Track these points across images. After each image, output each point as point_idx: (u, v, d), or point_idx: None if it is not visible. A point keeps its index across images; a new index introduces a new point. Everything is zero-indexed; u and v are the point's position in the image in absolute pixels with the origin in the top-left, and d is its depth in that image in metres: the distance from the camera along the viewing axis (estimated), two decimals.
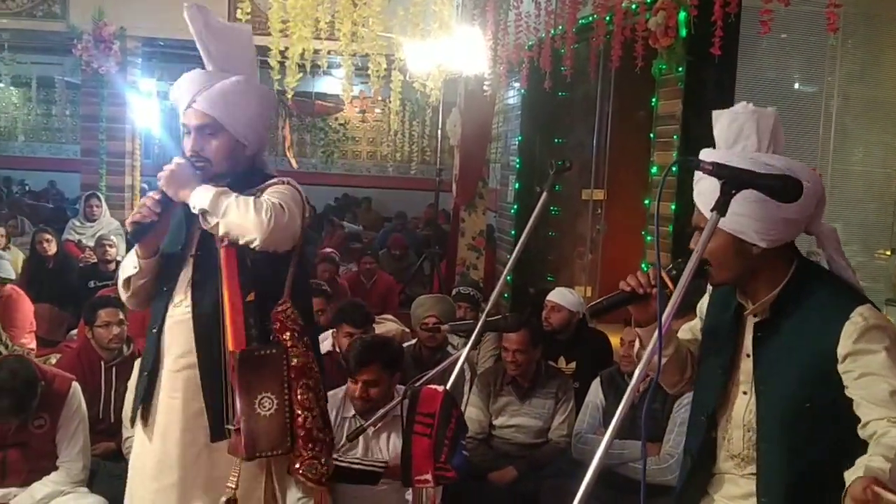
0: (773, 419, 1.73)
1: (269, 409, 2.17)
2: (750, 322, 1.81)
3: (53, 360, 4.21)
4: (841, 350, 1.65)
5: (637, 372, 1.43)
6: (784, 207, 1.57)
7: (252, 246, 2.17)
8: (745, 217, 1.65)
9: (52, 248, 6.30)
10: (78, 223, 7.52)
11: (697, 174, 1.72)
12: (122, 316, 3.81)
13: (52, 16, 7.76)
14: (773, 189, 1.45)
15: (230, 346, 2.18)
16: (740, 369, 1.82)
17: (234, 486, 2.19)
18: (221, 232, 2.18)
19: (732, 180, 1.45)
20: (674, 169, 4.14)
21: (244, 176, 2.35)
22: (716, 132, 1.80)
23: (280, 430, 2.17)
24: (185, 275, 2.32)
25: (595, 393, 3.64)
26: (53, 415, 3.22)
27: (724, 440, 1.84)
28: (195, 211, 2.21)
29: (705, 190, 1.71)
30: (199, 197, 2.19)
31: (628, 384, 1.42)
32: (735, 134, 1.75)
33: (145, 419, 2.36)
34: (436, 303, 4.38)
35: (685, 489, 1.93)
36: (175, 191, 2.23)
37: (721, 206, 1.43)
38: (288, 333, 2.23)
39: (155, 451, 2.33)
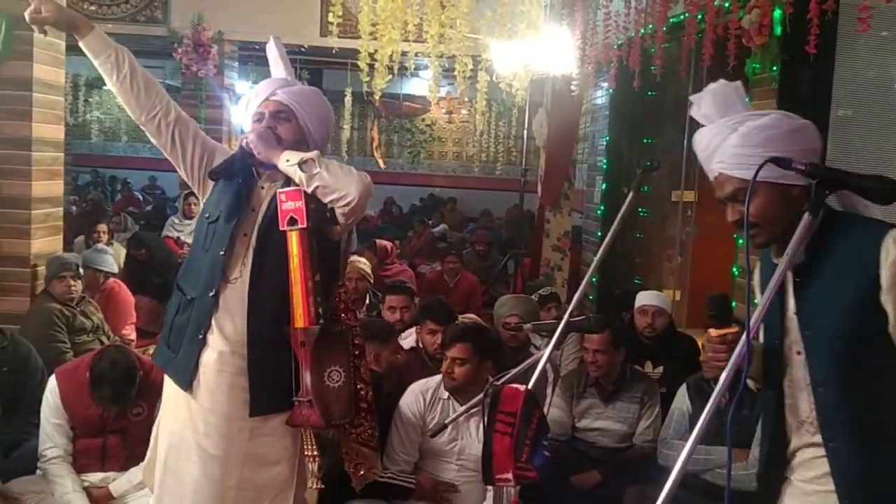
0: (824, 362, 1.69)
1: (338, 382, 2.33)
2: (790, 280, 1.77)
3: (152, 351, 4.39)
4: (883, 276, 1.60)
5: (723, 377, 1.41)
6: (804, 133, 1.63)
7: (344, 203, 2.28)
8: (790, 151, 1.62)
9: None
10: (177, 220, 7.84)
11: (696, 135, 1.79)
12: None
13: (153, 21, 8.10)
14: (868, 189, 1.41)
15: (299, 323, 2.27)
16: (790, 330, 1.79)
17: (316, 453, 2.37)
18: (317, 184, 2.28)
19: (827, 181, 1.41)
20: None
21: None
22: (703, 111, 1.83)
23: (349, 400, 2.34)
24: (240, 252, 2.38)
25: (682, 399, 3.57)
26: (151, 403, 3.32)
27: (792, 408, 1.80)
28: (288, 165, 2.31)
29: (727, 152, 1.73)
30: (294, 154, 2.33)
31: (714, 390, 1.40)
32: (722, 105, 1.80)
33: (192, 385, 2.41)
34: (518, 303, 4.38)
35: (764, 473, 1.90)
36: (264, 151, 2.36)
37: (814, 208, 1.39)
38: (348, 313, 2.42)
39: (199, 423, 2.40)
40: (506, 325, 4.09)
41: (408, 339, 4.27)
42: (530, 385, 2.07)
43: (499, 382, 2.14)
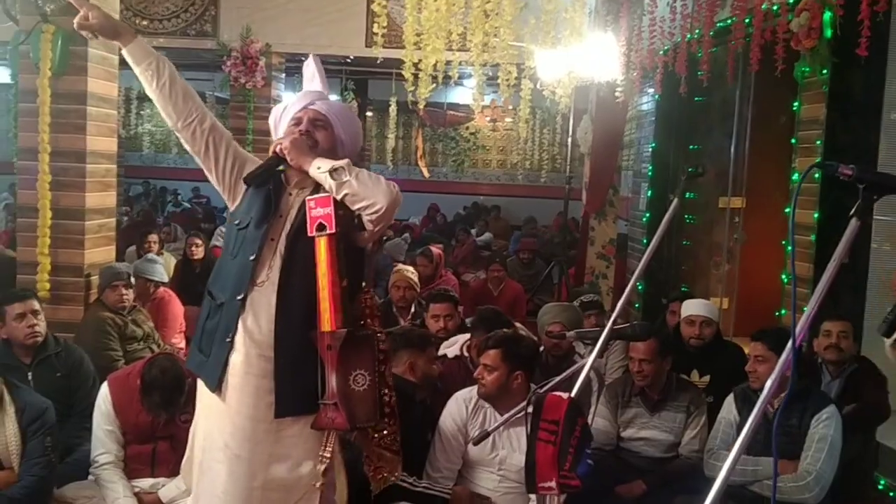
0: None
1: (363, 385, 2.36)
2: None
3: None
4: None
5: (768, 385, 1.38)
6: None
7: (373, 211, 2.35)
8: None
9: (199, 253, 6.71)
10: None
11: None
12: None
13: (203, 34, 8.27)
14: None
15: (326, 327, 2.32)
16: None
17: (329, 456, 2.40)
18: (346, 191, 2.35)
19: (875, 185, 1.38)
20: (815, 175, 3.96)
21: None
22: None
23: (373, 404, 2.37)
24: (267, 257, 2.43)
25: (728, 409, 3.52)
26: None
27: None
28: (319, 172, 2.38)
29: None
30: (325, 161, 2.40)
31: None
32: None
33: (221, 386, 2.45)
34: (561, 311, 4.35)
35: None
36: (297, 157, 2.43)
37: (861, 212, 1.36)
38: (374, 319, 2.47)
39: (227, 424, 2.44)
40: (549, 333, 4.07)
41: (453, 348, 4.27)
42: (573, 393, 2.05)
43: (542, 390, 2.12)
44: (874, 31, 3.44)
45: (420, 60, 5.78)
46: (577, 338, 3.23)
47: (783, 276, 4.40)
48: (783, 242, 4.64)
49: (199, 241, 6.80)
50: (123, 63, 2.80)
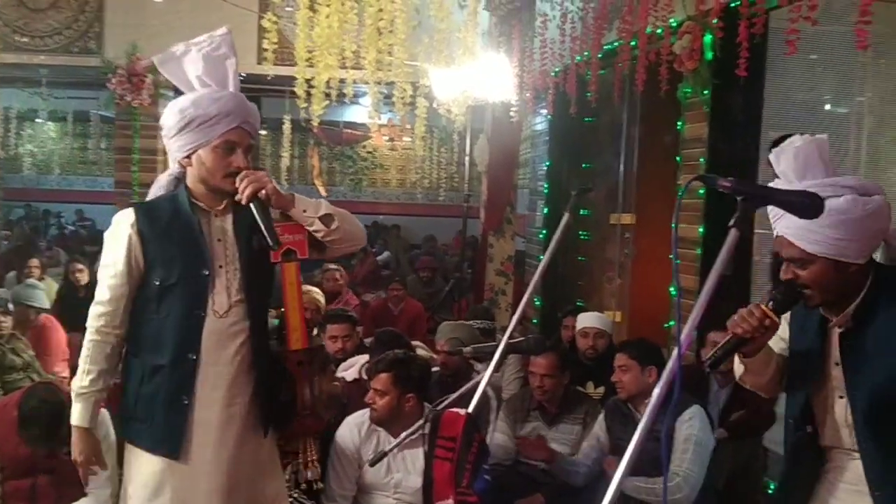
0: (867, 419, 1.82)
1: (325, 389, 2.60)
2: (835, 332, 1.90)
3: None
4: None
5: (655, 394, 1.41)
6: (874, 217, 1.72)
7: (350, 248, 2.52)
8: (846, 240, 1.75)
9: (84, 278, 6.42)
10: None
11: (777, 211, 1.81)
12: None
13: (87, 51, 7.94)
14: (792, 205, 1.44)
15: (297, 345, 2.44)
16: (832, 376, 1.91)
17: (318, 459, 2.59)
18: (337, 237, 2.41)
19: (752, 198, 1.44)
20: (700, 191, 4.11)
21: None
22: (782, 168, 1.85)
23: (333, 404, 2.74)
24: (224, 284, 2.38)
25: (598, 428, 3.62)
26: None
27: (831, 439, 1.93)
28: (311, 215, 2.38)
29: (794, 223, 1.76)
30: (312, 204, 2.42)
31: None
32: (802, 166, 1.82)
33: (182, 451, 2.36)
34: (455, 328, 4.38)
35: (790, 480, 2.06)
36: (282, 202, 2.38)
37: (740, 223, 1.42)
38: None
39: (203, 482, 2.36)
40: (442, 348, 4.09)
41: (351, 370, 4.19)
42: (470, 409, 2.05)
43: (439, 408, 2.11)
44: (752, 53, 3.60)
45: (312, 77, 5.72)
46: (473, 353, 3.25)
47: (671, 289, 4.54)
48: (670, 256, 4.79)
49: (81, 266, 6.49)
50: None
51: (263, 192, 2.30)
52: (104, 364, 2.38)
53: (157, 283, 2.36)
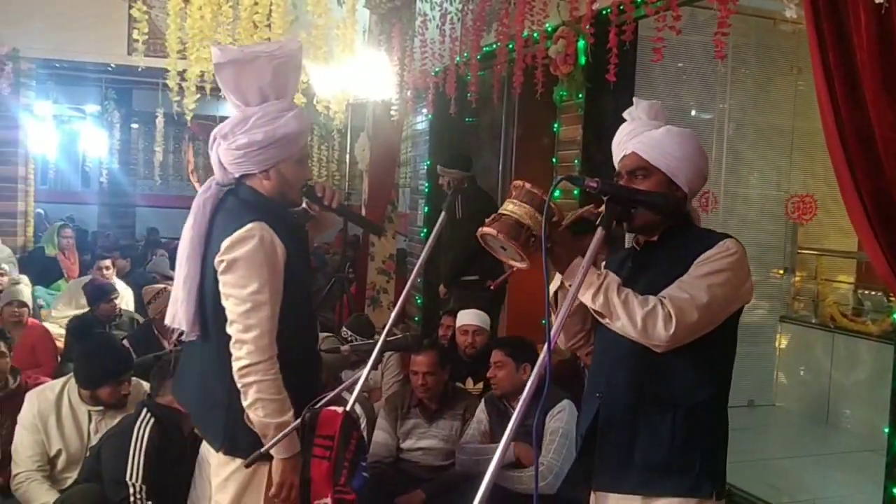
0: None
1: None
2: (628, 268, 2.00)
3: None
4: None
5: (528, 385, 1.45)
6: (701, 154, 1.91)
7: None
8: (680, 161, 1.86)
9: None
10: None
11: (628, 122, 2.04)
12: (4, 347, 3.63)
13: None
14: (654, 204, 1.51)
15: None
16: None
17: None
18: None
19: (618, 198, 1.50)
20: (575, 192, 4.23)
21: None
22: (637, 113, 2.06)
23: None
24: None
25: (480, 410, 3.74)
26: None
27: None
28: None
29: (647, 139, 1.93)
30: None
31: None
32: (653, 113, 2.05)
33: None
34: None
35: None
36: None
37: (606, 222, 1.48)
38: None
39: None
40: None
41: None
42: (348, 407, 2.04)
43: (317, 406, 2.09)
44: (622, 59, 3.75)
45: (185, 70, 5.54)
46: (352, 351, 3.24)
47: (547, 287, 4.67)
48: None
49: None
50: None
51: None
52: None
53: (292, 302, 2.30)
